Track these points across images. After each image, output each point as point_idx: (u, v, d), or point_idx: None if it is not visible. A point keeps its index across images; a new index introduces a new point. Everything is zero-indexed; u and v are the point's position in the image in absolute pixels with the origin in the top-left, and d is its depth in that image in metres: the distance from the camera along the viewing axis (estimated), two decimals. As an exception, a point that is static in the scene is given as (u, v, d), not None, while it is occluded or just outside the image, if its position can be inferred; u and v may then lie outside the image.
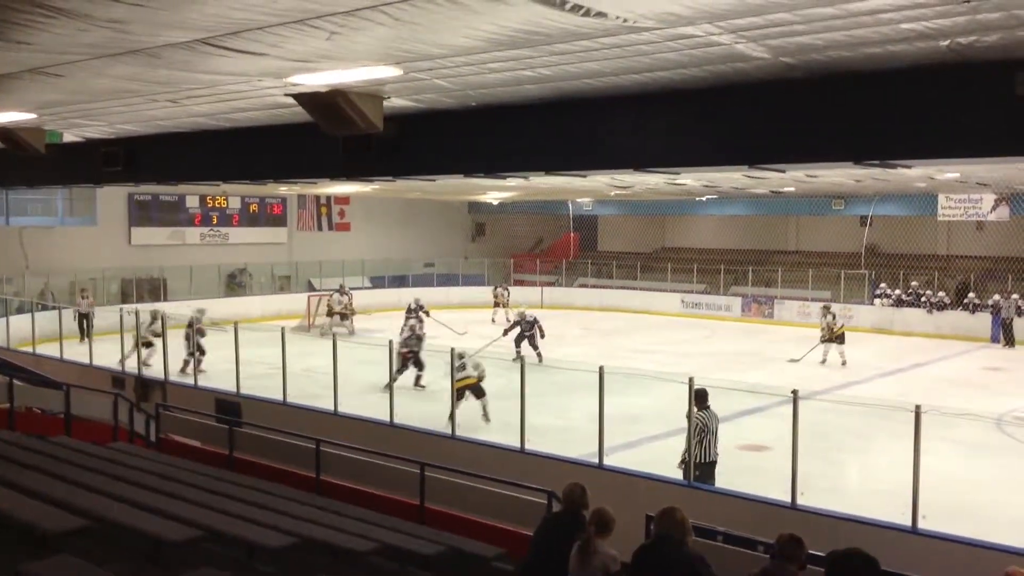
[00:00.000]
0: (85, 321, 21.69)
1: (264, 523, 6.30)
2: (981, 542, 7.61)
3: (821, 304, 24.06)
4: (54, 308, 21.22)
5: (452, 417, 11.35)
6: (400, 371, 14.71)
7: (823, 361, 21.05)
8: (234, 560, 5.82)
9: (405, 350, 15.66)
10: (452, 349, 11.61)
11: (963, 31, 5.47)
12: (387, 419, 11.51)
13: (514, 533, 7.46)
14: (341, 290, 26.38)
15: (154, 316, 17.69)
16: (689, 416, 9.50)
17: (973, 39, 5.62)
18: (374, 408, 11.92)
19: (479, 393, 13.33)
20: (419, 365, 15.97)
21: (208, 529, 5.94)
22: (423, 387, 15.69)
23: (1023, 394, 17.40)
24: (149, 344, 17.15)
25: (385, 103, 8.19)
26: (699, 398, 9.68)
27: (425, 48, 6.16)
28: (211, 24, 5.29)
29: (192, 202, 30.78)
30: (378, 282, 32.85)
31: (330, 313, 25.30)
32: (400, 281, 33.12)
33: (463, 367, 12.92)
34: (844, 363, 20.80)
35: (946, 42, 5.74)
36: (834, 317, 21.63)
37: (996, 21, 5.21)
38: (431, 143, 9.30)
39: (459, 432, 11.06)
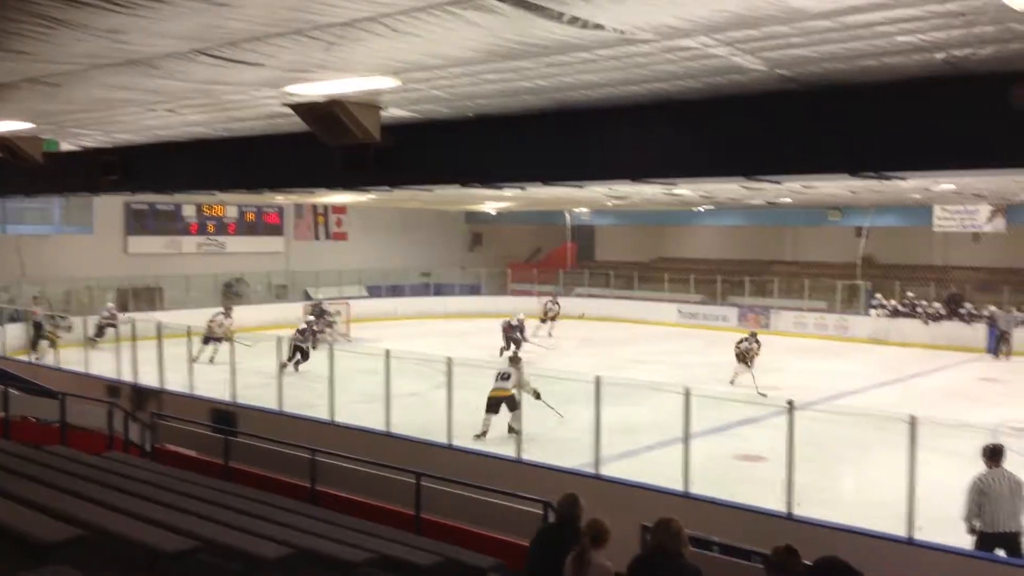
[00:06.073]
0: (37, 331, 20.76)
1: (260, 533, 6.28)
2: (976, 553, 7.62)
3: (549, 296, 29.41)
4: (51, 317, 21.18)
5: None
6: (290, 358, 18.45)
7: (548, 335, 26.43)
8: (230, 571, 5.81)
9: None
10: (449, 359, 11.59)
11: (958, 44, 5.50)
12: (383, 428, 11.49)
13: (511, 544, 7.44)
14: (226, 311, 22.72)
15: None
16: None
17: (968, 52, 5.65)
18: (370, 417, 11.90)
19: (512, 406, 13.34)
20: (304, 356, 19.15)
21: (203, 540, 5.92)
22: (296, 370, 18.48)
23: (1018, 405, 17.42)
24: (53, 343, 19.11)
25: (382, 113, 8.22)
26: (988, 455, 8.22)
27: (422, 59, 6.17)
28: (208, 34, 5.31)
29: (189, 211, 30.79)
30: (375, 291, 32.85)
31: (208, 339, 19.96)
32: (396, 291, 33.12)
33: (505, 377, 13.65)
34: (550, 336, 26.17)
35: (942, 55, 5.78)
36: (555, 304, 27.98)
37: (991, 34, 5.24)
38: (428, 153, 9.31)
39: (456, 442, 11.05)
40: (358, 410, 12.25)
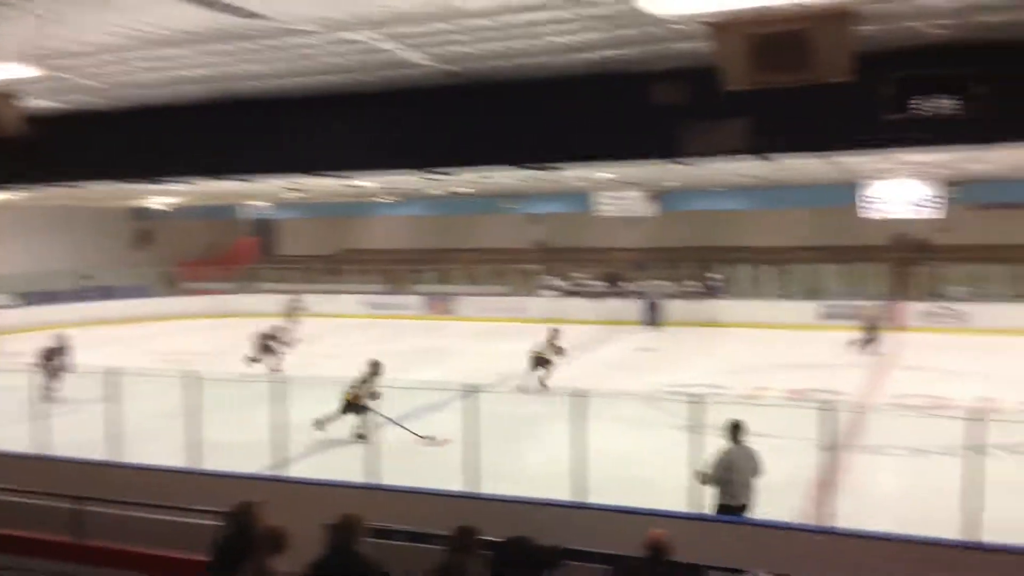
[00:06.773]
0: None
1: None
2: (638, 509, 8.35)
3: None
4: None
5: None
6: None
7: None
8: None
9: None
10: (110, 369, 10.64)
11: (608, 45, 6.01)
12: (34, 451, 10.30)
13: (189, 561, 6.99)
14: None
15: None
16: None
17: (618, 52, 6.19)
18: (15, 441, 10.59)
19: (357, 411, 13.07)
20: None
21: None
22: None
23: (670, 371, 19.51)
24: None
25: (24, 104, 7.34)
26: (730, 430, 8.43)
27: (65, 46, 5.65)
28: None
29: None
30: (28, 299, 29.38)
31: None
32: (51, 297, 29.82)
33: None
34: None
35: (593, 55, 6.28)
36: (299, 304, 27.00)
37: (634, 37, 5.78)
38: (79, 147, 8.53)
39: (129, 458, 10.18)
40: (2, 434, 10.89)
